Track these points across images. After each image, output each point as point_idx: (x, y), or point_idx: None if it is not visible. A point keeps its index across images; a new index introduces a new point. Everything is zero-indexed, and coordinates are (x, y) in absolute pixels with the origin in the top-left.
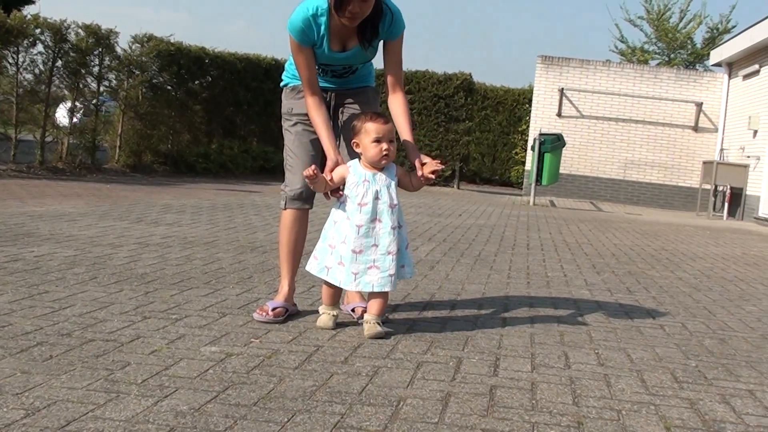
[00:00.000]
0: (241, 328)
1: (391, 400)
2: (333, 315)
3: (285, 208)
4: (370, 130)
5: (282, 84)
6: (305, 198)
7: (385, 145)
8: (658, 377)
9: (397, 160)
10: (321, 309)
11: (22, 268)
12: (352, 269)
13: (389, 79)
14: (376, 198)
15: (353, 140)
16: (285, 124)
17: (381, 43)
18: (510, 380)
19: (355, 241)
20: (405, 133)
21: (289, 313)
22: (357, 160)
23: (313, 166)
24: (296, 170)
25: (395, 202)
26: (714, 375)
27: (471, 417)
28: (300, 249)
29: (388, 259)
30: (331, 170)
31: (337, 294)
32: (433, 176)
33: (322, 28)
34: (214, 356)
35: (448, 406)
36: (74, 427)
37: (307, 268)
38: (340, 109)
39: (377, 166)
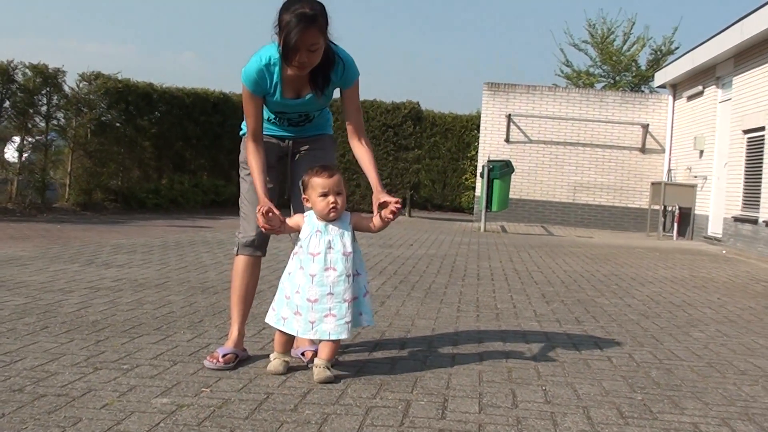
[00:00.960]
0: (192, 377)
1: None
2: (284, 361)
3: (237, 254)
4: (316, 185)
5: (241, 133)
6: (257, 245)
7: (331, 198)
8: (603, 413)
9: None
10: (272, 356)
11: None
12: (309, 318)
13: (350, 127)
14: (329, 247)
15: (303, 196)
16: (241, 173)
17: (337, 90)
18: (457, 422)
19: (310, 290)
20: (373, 182)
21: (239, 359)
22: (312, 210)
23: (267, 206)
24: (250, 218)
25: (349, 250)
26: (659, 408)
27: None
28: (251, 295)
29: (344, 306)
30: (262, 213)
31: (289, 342)
32: (392, 216)
33: (275, 76)
34: (165, 408)
35: None
36: None
37: (266, 319)
38: (297, 156)
39: (326, 218)
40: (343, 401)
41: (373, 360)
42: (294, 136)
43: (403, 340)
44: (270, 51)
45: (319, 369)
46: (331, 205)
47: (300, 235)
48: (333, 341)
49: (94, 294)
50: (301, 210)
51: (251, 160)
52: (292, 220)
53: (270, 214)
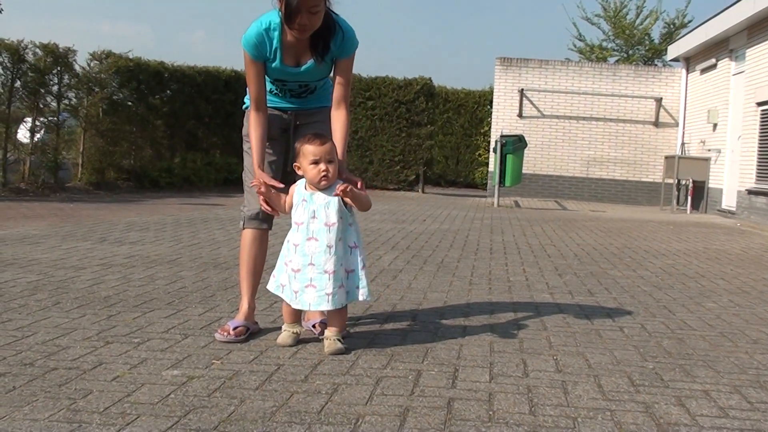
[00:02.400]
0: (203, 350)
1: (349, 417)
2: (293, 332)
3: (243, 228)
4: (307, 153)
5: (244, 107)
6: (263, 218)
7: (323, 166)
8: (615, 381)
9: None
10: (283, 327)
11: None
12: (293, 287)
13: (335, 95)
14: (313, 217)
15: (294, 163)
16: (245, 147)
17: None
18: (468, 392)
19: (293, 259)
20: (338, 149)
21: (250, 332)
22: (303, 180)
23: (261, 179)
24: (254, 191)
25: (333, 221)
26: (671, 377)
27: (428, 431)
28: (260, 268)
29: (324, 278)
30: (258, 188)
31: (296, 311)
32: (340, 193)
33: (275, 41)
34: (176, 380)
35: (405, 421)
36: None
37: (267, 286)
38: (299, 128)
39: (318, 186)
40: (353, 372)
41: (384, 331)
42: (296, 108)
43: (415, 312)
44: (270, 16)
45: (330, 341)
46: (323, 173)
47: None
48: (341, 313)
49: (106, 270)
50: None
51: (252, 131)
52: (290, 194)
53: (264, 189)
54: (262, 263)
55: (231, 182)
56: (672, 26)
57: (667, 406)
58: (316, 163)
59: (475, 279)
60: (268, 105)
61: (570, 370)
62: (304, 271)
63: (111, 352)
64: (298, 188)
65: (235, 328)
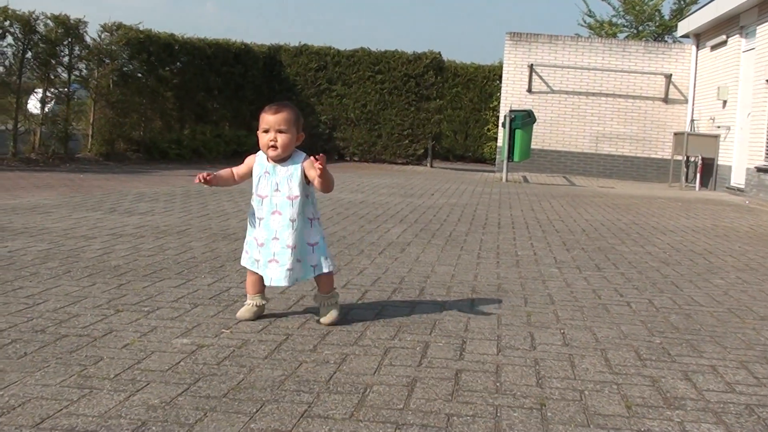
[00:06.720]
0: (212, 319)
1: (357, 387)
2: (255, 306)
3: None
4: (261, 120)
5: None
6: None
7: (272, 135)
8: (622, 355)
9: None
10: (247, 300)
11: None
12: (245, 262)
13: None
14: (276, 190)
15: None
16: None
17: None
18: (475, 363)
19: (258, 232)
20: None
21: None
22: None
23: (205, 173)
24: None
25: (295, 194)
26: (678, 351)
27: (435, 402)
28: None
29: (287, 252)
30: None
31: (260, 282)
32: (318, 163)
33: None
34: (186, 348)
35: (413, 391)
36: (48, 424)
37: (242, 262)
38: None
39: (268, 156)
40: (361, 342)
41: (391, 303)
42: None
43: (422, 284)
44: None
45: (324, 308)
46: (270, 143)
47: (252, 176)
48: (326, 275)
49: (116, 240)
50: None
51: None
52: (246, 163)
53: (203, 177)
54: None
55: (239, 154)
56: (682, 2)
57: (673, 381)
58: (266, 131)
59: (483, 253)
60: None
61: (577, 344)
62: (268, 245)
63: (121, 320)
64: (260, 159)
65: None
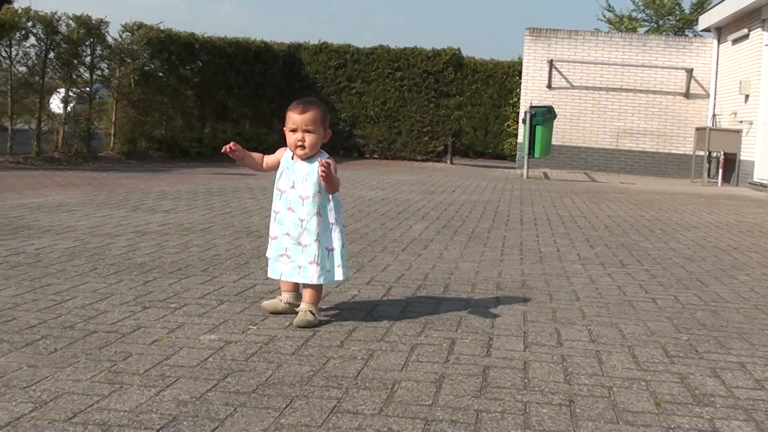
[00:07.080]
0: (239, 315)
1: (386, 383)
2: (284, 302)
3: None
4: (288, 120)
5: None
6: None
7: (299, 135)
8: (649, 352)
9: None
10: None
11: (23, 262)
12: (268, 254)
13: None
14: (292, 187)
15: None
16: None
17: None
18: (503, 360)
19: (272, 226)
20: None
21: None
22: None
23: (232, 143)
24: None
25: (307, 194)
26: (705, 348)
27: (464, 398)
28: None
29: (297, 250)
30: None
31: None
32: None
33: None
34: (214, 344)
35: (441, 387)
36: (80, 419)
37: (266, 254)
38: None
39: (295, 154)
40: (388, 338)
41: (416, 300)
42: None
43: (447, 281)
44: None
45: (301, 313)
46: (298, 143)
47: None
48: (313, 288)
49: (141, 238)
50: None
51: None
52: (276, 156)
53: (232, 147)
54: None
55: (260, 152)
56: None
57: (702, 378)
58: (293, 131)
59: (506, 249)
60: None
61: (604, 341)
62: (281, 240)
63: (149, 316)
64: (287, 153)
65: None
